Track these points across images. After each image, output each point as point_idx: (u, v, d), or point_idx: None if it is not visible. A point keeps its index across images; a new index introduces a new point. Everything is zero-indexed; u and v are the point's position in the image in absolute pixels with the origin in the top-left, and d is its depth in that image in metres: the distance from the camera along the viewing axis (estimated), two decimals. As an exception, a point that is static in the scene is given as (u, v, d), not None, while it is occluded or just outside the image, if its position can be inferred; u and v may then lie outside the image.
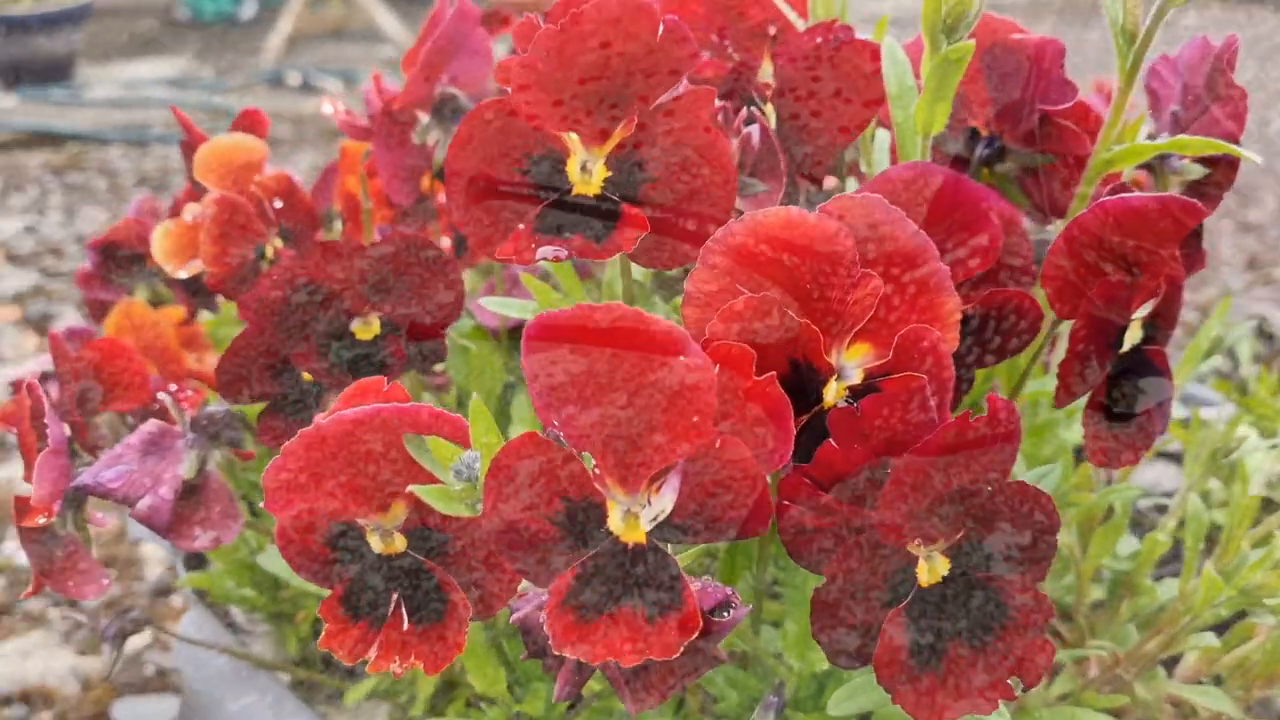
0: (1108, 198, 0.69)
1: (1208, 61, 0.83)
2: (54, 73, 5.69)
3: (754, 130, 0.79)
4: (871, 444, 0.63)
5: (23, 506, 0.77)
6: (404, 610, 0.70)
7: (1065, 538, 0.91)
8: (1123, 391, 0.76)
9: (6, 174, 4.38)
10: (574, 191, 0.71)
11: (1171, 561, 1.16)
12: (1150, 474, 1.56)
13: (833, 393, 0.66)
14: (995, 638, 0.65)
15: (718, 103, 0.79)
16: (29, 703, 1.74)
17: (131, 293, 1.29)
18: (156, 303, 1.28)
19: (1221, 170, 0.83)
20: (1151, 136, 0.87)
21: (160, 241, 0.98)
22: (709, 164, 0.70)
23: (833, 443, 0.62)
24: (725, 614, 0.62)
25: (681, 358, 0.54)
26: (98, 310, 1.27)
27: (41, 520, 0.77)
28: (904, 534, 0.62)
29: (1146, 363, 0.77)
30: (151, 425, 0.86)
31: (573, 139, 0.71)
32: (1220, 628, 0.97)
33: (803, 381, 0.65)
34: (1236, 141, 0.81)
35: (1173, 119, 0.87)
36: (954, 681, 0.64)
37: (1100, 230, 0.70)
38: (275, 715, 1.00)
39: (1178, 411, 1.13)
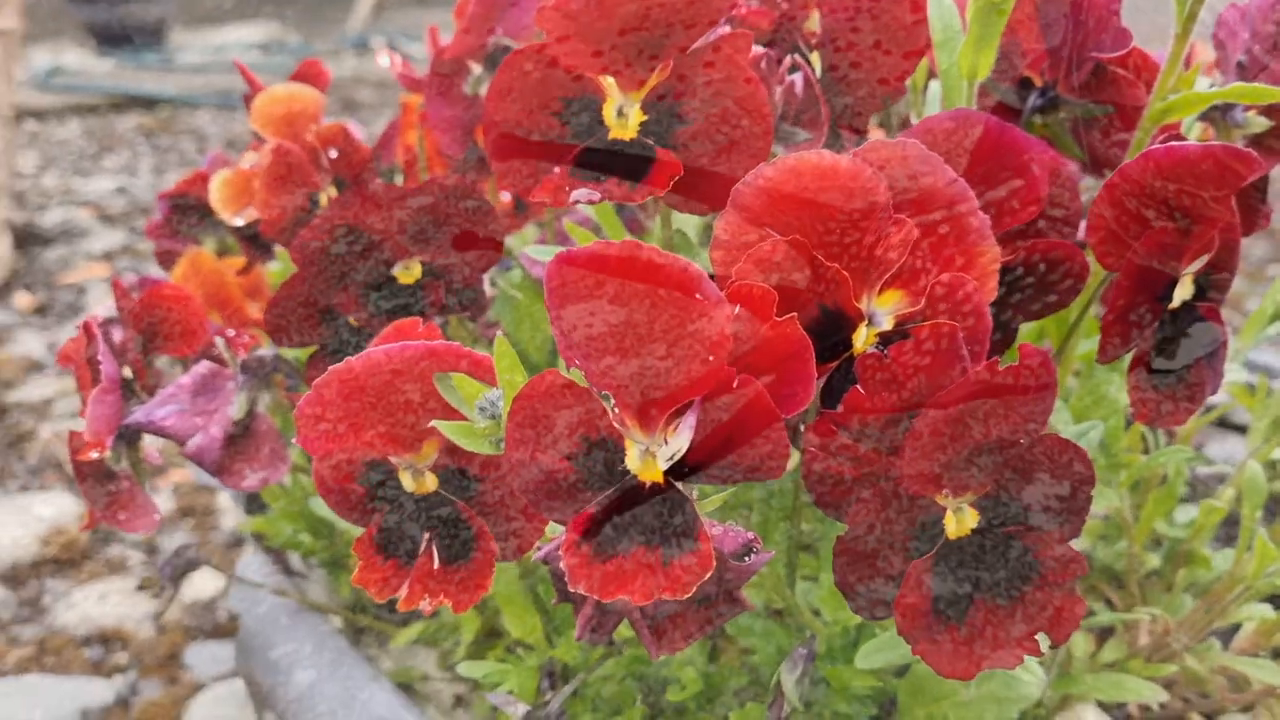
0: (1155, 146, 0.67)
1: (1276, 10, 0.80)
2: (148, 37, 5.82)
3: (797, 78, 0.78)
4: (899, 391, 0.62)
5: (77, 442, 0.80)
6: (434, 550, 0.71)
7: (1116, 502, 0.89)
8: (1172, 349, 0.73)
9: (100, 136, 4.51)
10: (610, 136, 0.71)
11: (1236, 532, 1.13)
12: (1224, 447, 1.51)
13: (862, 339, 0.65)
14: (1024, 593, 0.64)
15: (760, 49, 0.78)
16: (106, 644, 1.80)
17: (199, 243, 1.32)
18: (223, 253, 1.31)
19: (1283, 122, 0.80)
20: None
21: (218, 189, 1.00)
22: (745, 110, 0.69)
23: (859, 389, 0.62)
24: (746, 559, 0.62)
25: (696, 296, 0.54)
26: (167, 260, 1.31)
27: (94, 455, 0.79)
28: (928, 484, 0.62)
29: (1199, 320, 0.75)
30: (203, 367, 0.88)
31: (609, 84, 0.71)
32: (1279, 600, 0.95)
33: (832, 327, 0.65)
34: (1302, 93, 0.78)
35: (1238, 69, 0.84)
36: (978, 636, 0.63)
37: (1146, 180, 0.68)
38: (331, 660, 1.02)
39: (1247, 377, 1.09)
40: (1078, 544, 0.94)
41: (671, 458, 0.57)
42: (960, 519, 0.64)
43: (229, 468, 0.87)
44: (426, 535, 0.71)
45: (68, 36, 6.10)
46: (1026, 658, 0.75)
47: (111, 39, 5.70)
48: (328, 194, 1.00)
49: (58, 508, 2.07)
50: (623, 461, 0.58)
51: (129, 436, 0.85)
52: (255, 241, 1.10)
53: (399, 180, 1.29)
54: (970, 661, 0.62)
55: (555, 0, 0.67)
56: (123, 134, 4.54)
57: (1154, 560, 1.02)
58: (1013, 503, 0.64)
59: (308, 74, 1.09)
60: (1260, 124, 0.81)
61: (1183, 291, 0.73)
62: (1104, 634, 0.97)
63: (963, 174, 0.72)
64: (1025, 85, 0.84)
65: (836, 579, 0.63)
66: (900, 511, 0.62)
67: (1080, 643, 0.90)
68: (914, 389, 0.62)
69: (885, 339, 0.65)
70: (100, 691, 1.67)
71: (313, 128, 1.00)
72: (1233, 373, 0.97)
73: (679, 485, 0.58)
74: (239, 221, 1.00)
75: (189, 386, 0.87)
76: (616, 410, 0.58)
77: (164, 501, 2.17)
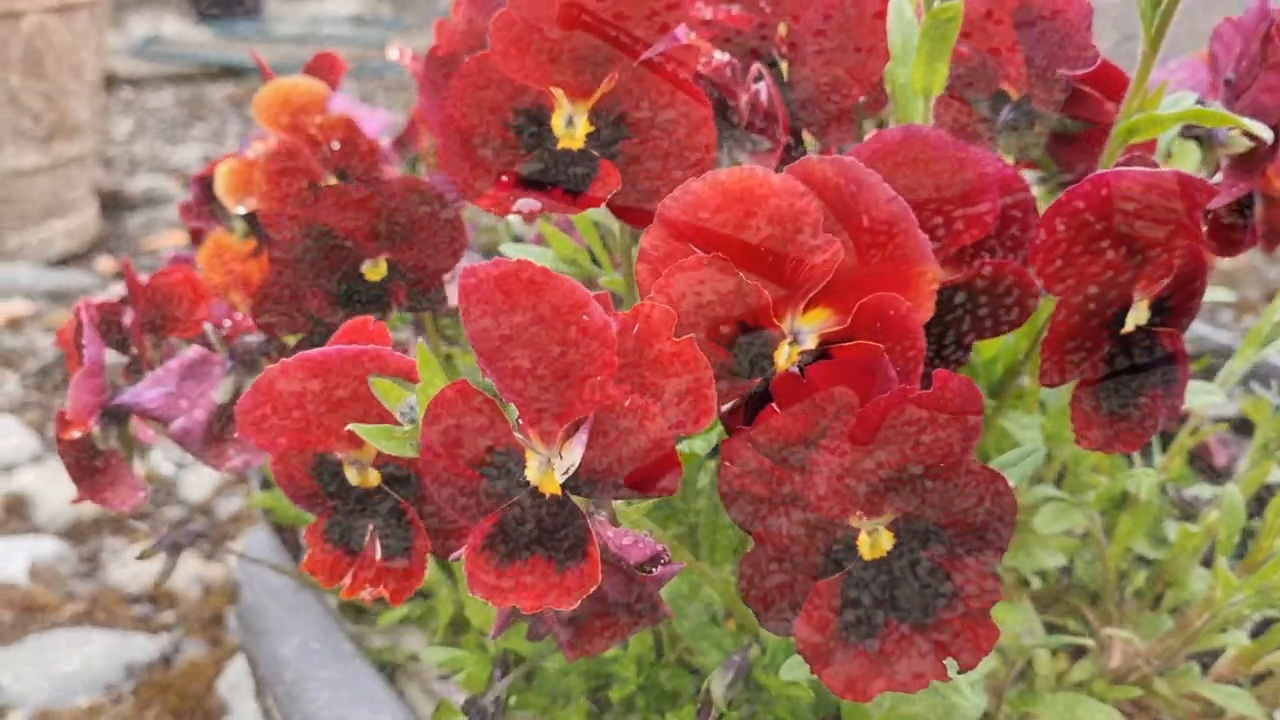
0: (1101, 172, 0.66)
1: (1261, 25, 0.78)
2: (245, 9, 5.96)
3: (761, 87, 0.78)
4: (816, 411, 0.62)
5: (62, 420, 0.84)
6: (376, 542, 0.73)
7: (1083, 521, 0.87)
8: (1123, 376, 0.72)
9: (191, 104, 4.64)
10: (559, 146, 0.72)
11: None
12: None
13: (784, 357, 0.65)
14: (937, 618, 0.64)
15: (726, 57, 0.78)
16: (155, 603, 1.88)
17: (230, 225, 1.36)
18: (249, 235, 1.34)
19: (1266, 144, 0.77)
20: (1201, 103, 0.82)
21: (223, 178, 1.03)
22: (687, 122, 0.70)
23: (774, 407, 0.62)
24: (653, 569, 0.63)
25: (583, 316, 0.55)
26: (198, 239, 1.35)
27: (76, 434, 0.83)
28: (838, 506, 0.62)
29: (1154, 346, 0.73)
30: (193, 352, 0.92)
31: (559, 93, 0.72)
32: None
33: (754, 344, 0.65)
34: (1277, 114, 0.76)
35: (1225, 86, 0.82)
36: (884, 658, 0.63)
37: (1091, 206, 0.67)
38: (318, 640, 1.06)
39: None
40: (1055, 560, 0.93)
41: (567, 471, 0.58)
42: (875, 541, 0.64)
43: (212, 450, 0.90)
44: (370, 528, 0.74)
45: (168, 6, 6.28)
46: (959, 678, 0.75)
47: (209, 9, 5.86)
48: (328, 184, 1.03)
49: (121, 468, 2.14)
50: (524, 472, 0.60)
51: (118, 416, 0.89)
52: (260, 229, 1.13)
53: (422, 169, 1.32)
54: (871, 683, 0.62)
55: (503, 11, 0.68)
56: (214, 103, 4.66)
57: (1141, 579, 1.00)
58: (931, 528, 0.64)
59: (320, 66, 1.12)
60: (1243, 144, 0.79)
61: (1136, 317, 0.72)
62: (1078, 652, 0.96)
63: (910, 191, 0.72)
64: (1001, 99, 0.83)
65: (743, 593, 0.63)
66: (810, 531, 0.63)
67: (1045, 661, 0.89)
68: (831, 409, 0.62)
69: (810, 358, 0.65)
70: (146, 647, 1.75)
71: (316, 119, 1.03)
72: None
73: (574, 498, 0.59)
74: (241, 210, 1.03)
75: (177, 370, 0.90)
76: (520, 422, 0.59)
77: (220, 467, 2.23)
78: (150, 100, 4.66)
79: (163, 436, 0.96)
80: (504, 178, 0.72)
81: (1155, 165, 0.73)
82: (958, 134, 0.84)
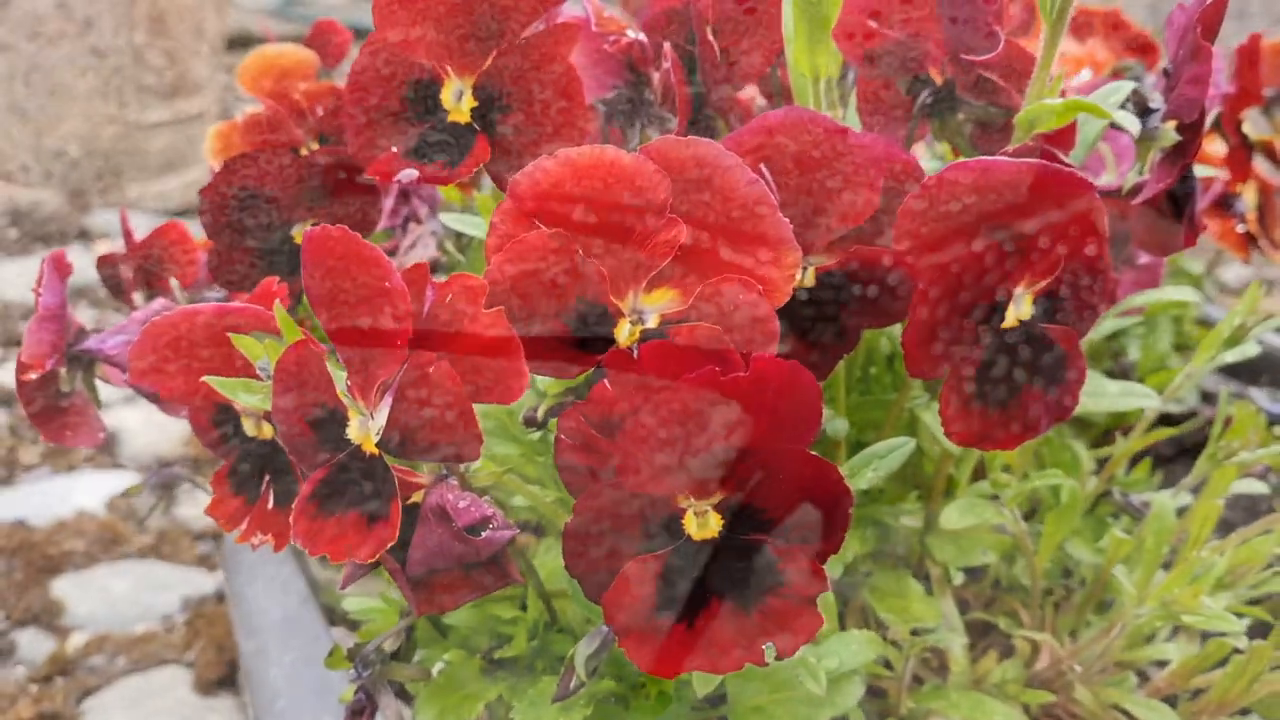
0: (963, 160, 0.65)
1: (1194, 15, 0.74)
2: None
3: (669, 66, 0.78)
4: (645, 389, 0.63)
5: (20, 363, 0.90)
6: (271, 491, 0.77)
7: (1000, 517, 0.85)
8: (1001, 369, 0.70)
9: (321, 67, 4.79)
10: (448, 119, 0.74)
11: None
12: None
13: (624, 335, 0.66)
14: (762, 603, 0.64)
15: (634, 36, 0.79)
16: (217, 541, 1.97)
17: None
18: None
19: (1188, 135, 0.74)
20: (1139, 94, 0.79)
21: (210, 140, 1.08)
22: (563, 97, 0.71)
23: (605, 384, 0.63)
24: (481, 533, 0.65)
25: (384, 282, 0.57)
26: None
27: (33, 375, 0.89)
28: (650, 483, 0.62)
29: (1043, 343, 0.71)
30: (157, 304, 0.97)
31: (449, 68, 0.73)
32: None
33: (593, 321, 0.66)
34: (1199, 107, 0.72)
35: (1163, 76, 0.78)
36: (697, 638, 0.63)
37: (957, 194, 0.65)
38: (284, 583, 1.11)
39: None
40: (986, 557, 0.91)
41: (378, 431, 0.61)
42: (704, 522, 0.64)
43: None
44: (267, 478, 0.78)
45: (314, -30, 6.47)
46: (814, 664, 0.75)
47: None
48: (309, 149, 1.07)
49: (204, 411, 2.26)
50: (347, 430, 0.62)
51: (83, 361, 0.95)
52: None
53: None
54: (680, 660, 0.63)
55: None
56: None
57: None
58: (761, 513, 0.64)
59: (320, 33, 1.16)
60: (1171, 137, 0.75)
61: (1019, 311, 0.70)
62: (1007, 652, 0.94)
63: (788, 173, 0.71)
64: (924, 83, 0.81)
65: (566, 562, 0.64)
66: (630, 506, 0.63)
67: (959, 658, 0.88)
68: (649, 386, 0.62)
69: (649, 337, 0.66)
70: (202, 583, 1.84)
71: (301, 86, 1.07)
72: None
73: (386, 457, 0.61)
74: (222, 170, 1.08)
75: (140, 319, 0.96)
76: (348, 382, 0.62)
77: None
78: (284, 62, 4.83)
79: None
80: (393, 148, 0.74)
81: (1052, 155, 0.71)
82: (884, 118, 0.82)
